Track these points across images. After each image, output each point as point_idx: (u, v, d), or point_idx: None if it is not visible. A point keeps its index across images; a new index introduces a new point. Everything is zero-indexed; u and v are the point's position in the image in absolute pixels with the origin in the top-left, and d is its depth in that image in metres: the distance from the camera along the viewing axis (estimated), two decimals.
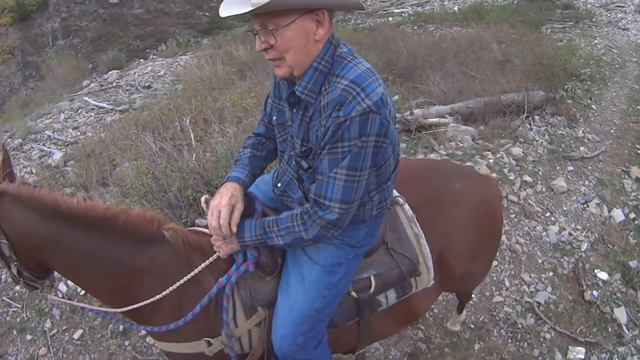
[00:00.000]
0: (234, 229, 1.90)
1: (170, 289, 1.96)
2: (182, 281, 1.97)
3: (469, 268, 2.50)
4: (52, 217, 1.89)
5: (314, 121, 1.77)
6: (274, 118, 2.02)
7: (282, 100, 1.95)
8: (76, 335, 3.65)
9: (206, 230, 2.10)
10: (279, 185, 2.09)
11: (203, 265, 1.99)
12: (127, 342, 3.56)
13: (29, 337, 3.69)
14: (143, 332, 3.56)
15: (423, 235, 2.22)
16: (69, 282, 3.93)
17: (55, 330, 3.72)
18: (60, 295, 3.79)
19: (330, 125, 1.66)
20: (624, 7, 14.22)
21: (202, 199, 2.02)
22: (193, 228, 2.21)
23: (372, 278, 2.13)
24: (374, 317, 2.19)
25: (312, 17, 1.65)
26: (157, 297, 1.97)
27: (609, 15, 13.70)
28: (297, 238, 1.84)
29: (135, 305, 2.00)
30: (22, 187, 1.89)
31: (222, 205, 1.88)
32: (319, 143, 1.75)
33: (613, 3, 14.62)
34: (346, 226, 1.89)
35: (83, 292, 3.82)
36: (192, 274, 1.97)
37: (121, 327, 3.62)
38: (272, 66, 1.78)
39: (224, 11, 1.66)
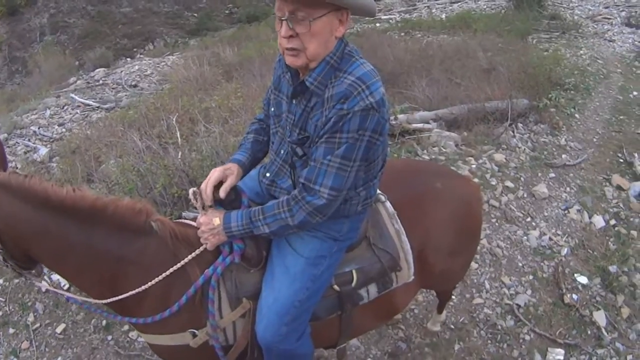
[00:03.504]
0: (222, 195, 1.98)
1: (157, 279, 1.97)
2: (169, 272, 1.98)
3: (448, 265, 2.55)
4: (41, 207, 1.88)
5: (315, 111, 1.85)
6: (272, 109, 2.09)
7: (281, 93, 2.02)
8: (59, 330, 3.64)
9: (193, 223, 2.13)
10: (268, 175, 2.15)
11: (190, 256, 2.01)
12: (109, 337, 3.56)
13: (11, 330, 3.67)
14: (126, 327, 3.57)
15: (404, 232, 2.26)
16: (52, 277, 3.92)
17: (38, 324, 3.70)
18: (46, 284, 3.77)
19: (332, 116, 1.74)
20: (610, 19, 14.31)
21: (190, 191, 2.05)
22: (180, 220, 2.23)
23: (354, 272, 2.17)
24: (355, 311, 2.23)
25: (337, 14, 1.75)
26: (144, 287, 1.97)
27: (595, 26, 13.78)
28: (283, 225, 1.90)
29: (122, 296, 2.00)
30: (12, 176, 1.88)
31: (216, 170, 2.01)
32: (317, 132, 1.83)
33: (600, 15, 14.73)
34: (331, 220, 1.95)
35: (67, 286, 3.81)
36: (179, 264, 1.99)
37: (104, 322, 3.62)
38: (287, 55, 1.80)
39: None
